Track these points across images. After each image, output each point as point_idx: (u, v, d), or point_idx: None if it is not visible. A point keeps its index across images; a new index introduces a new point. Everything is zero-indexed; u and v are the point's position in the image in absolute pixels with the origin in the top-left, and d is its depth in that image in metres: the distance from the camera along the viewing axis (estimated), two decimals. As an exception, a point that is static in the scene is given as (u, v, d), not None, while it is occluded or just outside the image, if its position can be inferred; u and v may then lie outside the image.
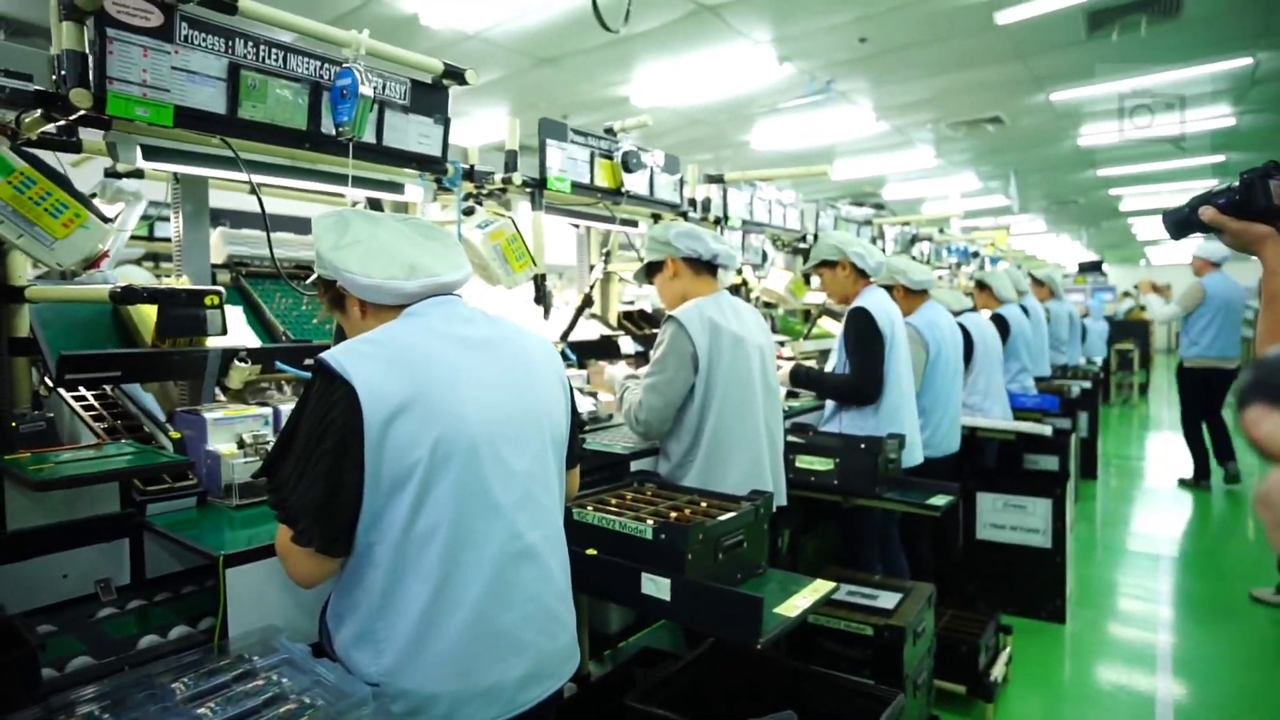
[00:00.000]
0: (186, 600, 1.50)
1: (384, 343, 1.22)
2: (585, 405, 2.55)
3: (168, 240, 2.80)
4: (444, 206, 2.34)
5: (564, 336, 2.67)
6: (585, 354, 2.93)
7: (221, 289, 1.68)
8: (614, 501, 1.97)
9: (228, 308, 1.98)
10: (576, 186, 2.43)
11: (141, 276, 2.55)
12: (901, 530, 3.10)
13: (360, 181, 1.86)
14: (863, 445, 2.61)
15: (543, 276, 2.29)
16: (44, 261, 1.31)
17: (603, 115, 7.07)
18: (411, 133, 1.89)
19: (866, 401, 2.77)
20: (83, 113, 1.38)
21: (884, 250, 5.08)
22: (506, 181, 2.25)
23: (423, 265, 1.29)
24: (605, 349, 2.93)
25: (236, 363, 1.83)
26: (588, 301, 2.72)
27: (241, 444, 1.71)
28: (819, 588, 1.80)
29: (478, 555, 1.21)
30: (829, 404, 2.95)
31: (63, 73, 1.37)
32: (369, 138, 1.78)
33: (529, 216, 2.36)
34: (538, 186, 2.32)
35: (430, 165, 1.97)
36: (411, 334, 1.25)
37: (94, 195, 1.97)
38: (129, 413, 1.87)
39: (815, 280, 3.13)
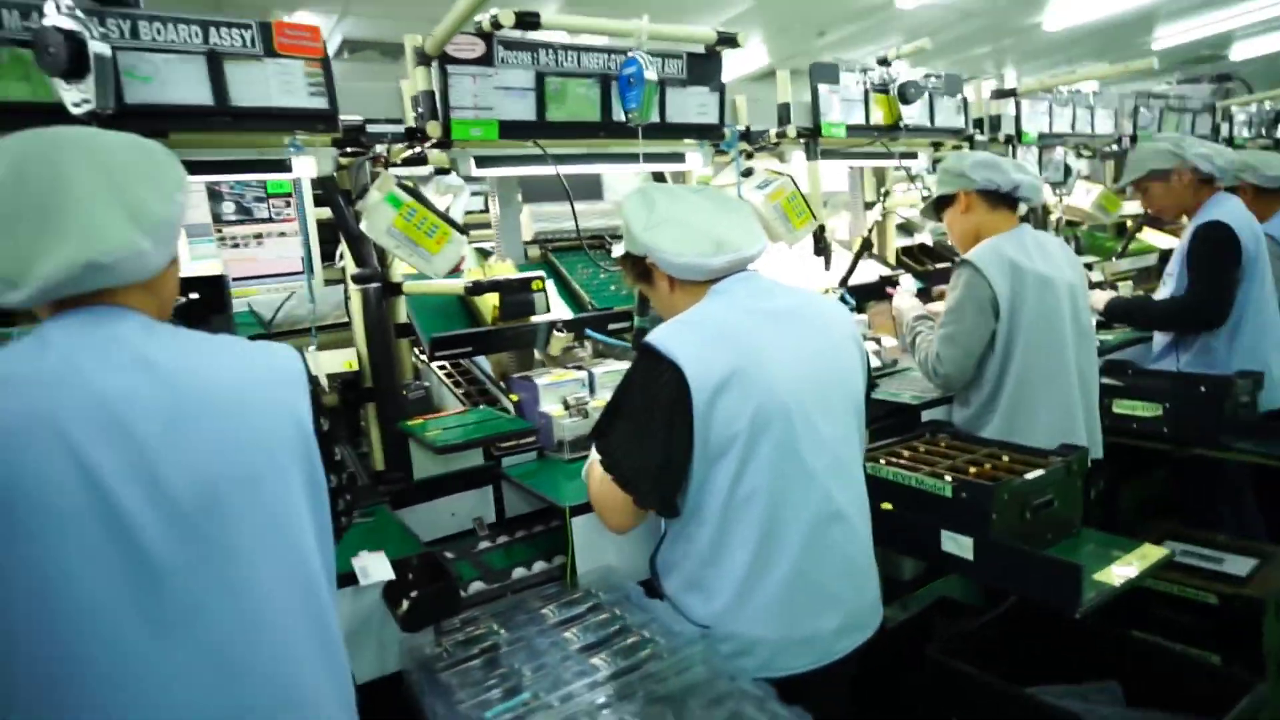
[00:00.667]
0: (539, 538, 1.81)
1: (701, 323, 1.34)
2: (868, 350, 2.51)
3: (470, 212, 3.24)
4: (718, 169, 2.41)
5: (843, 282, 2.63)
6: (864, 297, 2.87)
7: (543, 274, 1.93)
8: (906, 454, 1.95)
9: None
10: (852, 130, 2.35)
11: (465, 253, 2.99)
12: (1260, 488, 2.64)
13: (647, 158, 1.99)
14: (1202, 387, 2.26)
15: (822, 228, 2.28)
16: (427, 273, 1.63)
17: (862, 25, 6.57)
18: (691, 105, 1.97)
19: (1205, 326, 2.37)
20: (435, 140, 1.67)
21: (1230, 142, 4.16)
22: (781, 135, 2.25)
23: (726, 240, 1.37)
24: (885, 290, 2.84)
25: (555, 333, 2.11)
26: (866, 245, 2.65)
27: (566, 405, 1.98)
28: (1148, 554, 1.64)
29: (794, 516, 1.31)
30: (1158, 338, 2.57)
31: (420, 110, 1.66)
32: (654, 117, 1.90)
33: (804, 166, 2.34)
34: (812, 135, 2.29)
35: (709, 133, 2.04)
36: (725, 311, 1.35)
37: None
38: (478, 379, 2.26)
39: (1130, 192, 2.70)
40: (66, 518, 0.80)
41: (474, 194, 3.05)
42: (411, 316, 2.07)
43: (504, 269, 2.09)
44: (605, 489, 1.37)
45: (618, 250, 1.55)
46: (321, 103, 1.50)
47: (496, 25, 1.61)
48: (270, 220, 1.88)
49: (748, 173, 2.15)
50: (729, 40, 1.91)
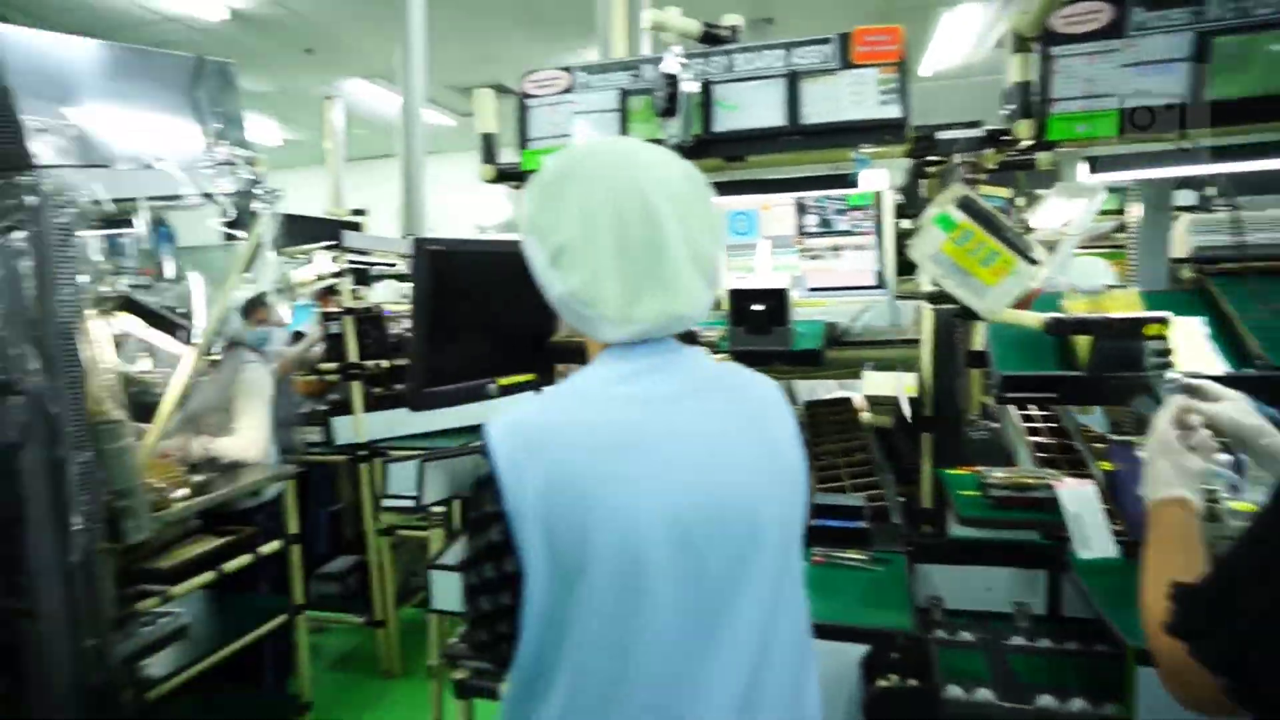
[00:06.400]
0: (1096, 661, 1.36)
1: None
2: None
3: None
4: None
5: None
6: None
7: (1167, 316, 1.40)
8: None
9: (1181, 319, 1.67)
10: None
11: (1098, 270, 2.44)
12: None
13: None
14: None
15: None
16: (976, 309, 1.37)
17: None
18: None
19: None
20: (1026, 142, 1.35)
21: None
22: None
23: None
24: None
25: (1187, 391, 1.52)
26: None
27: (1185, 496, 1.42)
28: None
29: None
30: None
31: (1010, 107, 1.37)
32: None
33: None
34: None
35: None
36: None
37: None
38: (1066, 431, 1.83)
39: None
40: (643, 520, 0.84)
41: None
42: (989, 346, 1.79)
43: (1122, 301, 1.60)
44: (1177, 654, 0.85)
45: None
46: (893, 111, 1.38)
47: (1134, -22, 1.19)
48: (848, 233, 1.85)
49: None
50: None
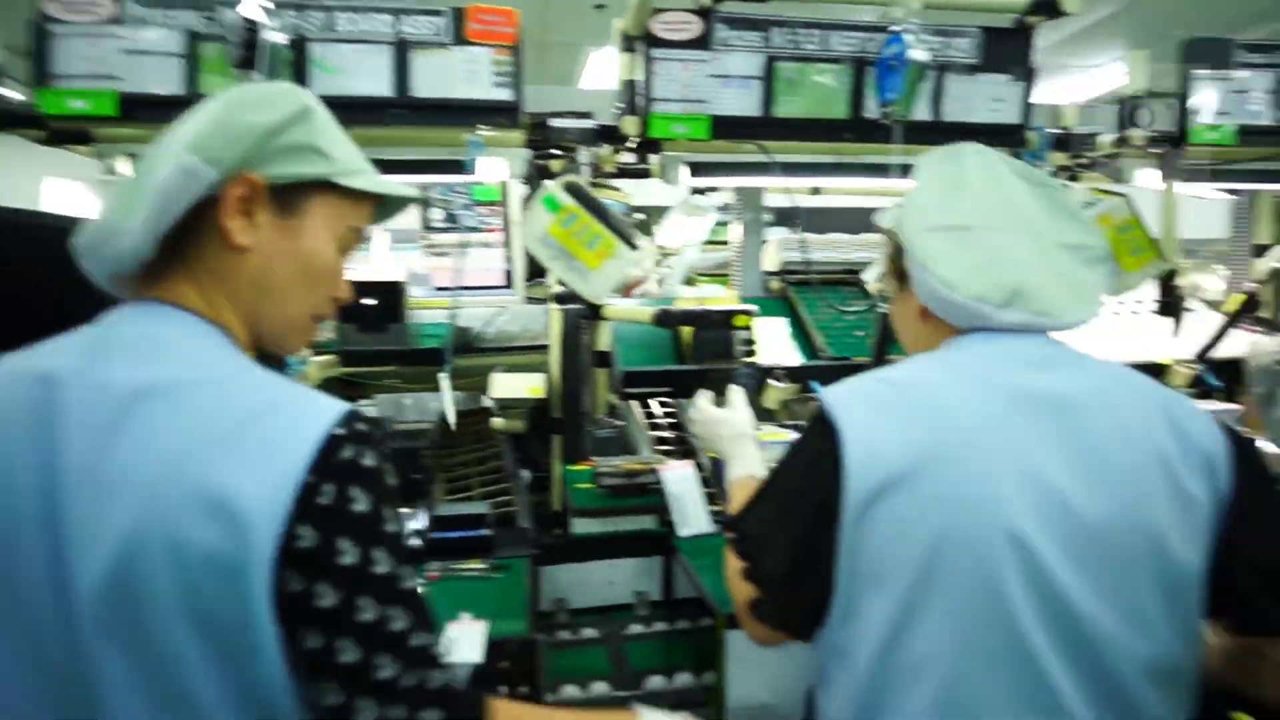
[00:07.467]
0: (700, 635, 1.45)
1: (904, 385, 0.88)
2: None
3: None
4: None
5: (1203, 355, 1.85)
6: (1236, 378, 2.02)
7: (754, 309, 1.57)
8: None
9: (771, 320, 1.90)
10: (1247, 134, 1.60)
11: (719, 294, 2.72)
12: None
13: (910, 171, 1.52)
14: None
15: (1172, 274, 1.58)
16: (581, 292, 1.38)
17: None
18: (979, 99, 1.47)
19: None
20: (631, 140, 1.41)
21: None
22: (1121, 143, 1.61)
23: (1033, 291, 0.87)
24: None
25: (771, 382, 1.72)
26: (1250, 304, 1.83)
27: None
28: None
29: None
30: None
31: (620, 104, 1.41)
32: (923, 115, 1.44)
33: (1156, 188, 1.66)
34: (1174, 142, 1.60)
35: (1005, 137, 1.51)
36: (951, 378, 0.87)
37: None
38: (683, 425, 1.96)
39: None
40: None
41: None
42: (613, 345, 1.85)
43: (722, 300, 1.76)
44: (735, 579, 0.94)
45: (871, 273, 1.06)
46: (506, 94, 1.33)
47: (716, -2, 1.30)
48: (476, 229, 1.78)
49: (1059, 192, 1.56)
50: (1047, 7, 1.38)
